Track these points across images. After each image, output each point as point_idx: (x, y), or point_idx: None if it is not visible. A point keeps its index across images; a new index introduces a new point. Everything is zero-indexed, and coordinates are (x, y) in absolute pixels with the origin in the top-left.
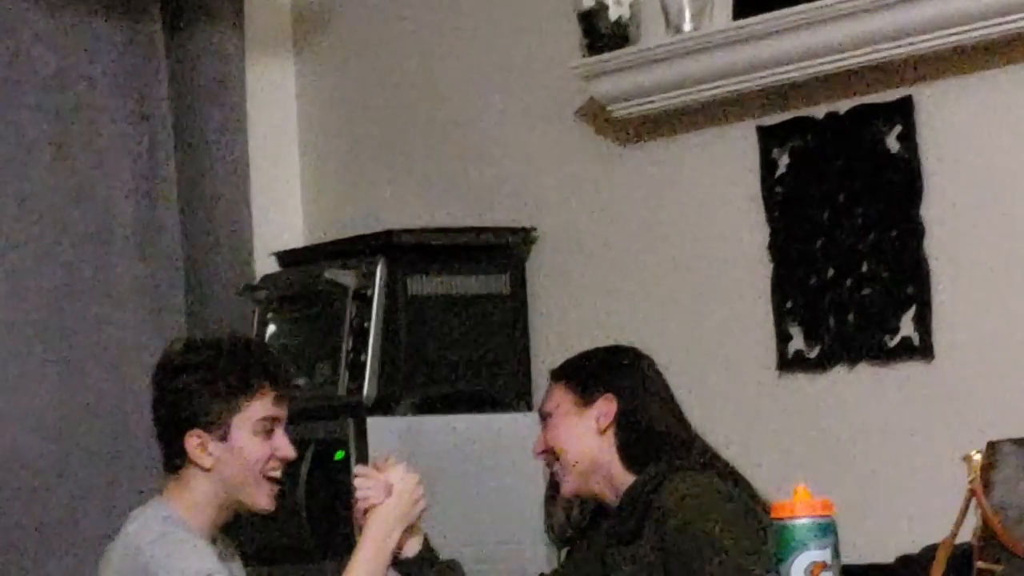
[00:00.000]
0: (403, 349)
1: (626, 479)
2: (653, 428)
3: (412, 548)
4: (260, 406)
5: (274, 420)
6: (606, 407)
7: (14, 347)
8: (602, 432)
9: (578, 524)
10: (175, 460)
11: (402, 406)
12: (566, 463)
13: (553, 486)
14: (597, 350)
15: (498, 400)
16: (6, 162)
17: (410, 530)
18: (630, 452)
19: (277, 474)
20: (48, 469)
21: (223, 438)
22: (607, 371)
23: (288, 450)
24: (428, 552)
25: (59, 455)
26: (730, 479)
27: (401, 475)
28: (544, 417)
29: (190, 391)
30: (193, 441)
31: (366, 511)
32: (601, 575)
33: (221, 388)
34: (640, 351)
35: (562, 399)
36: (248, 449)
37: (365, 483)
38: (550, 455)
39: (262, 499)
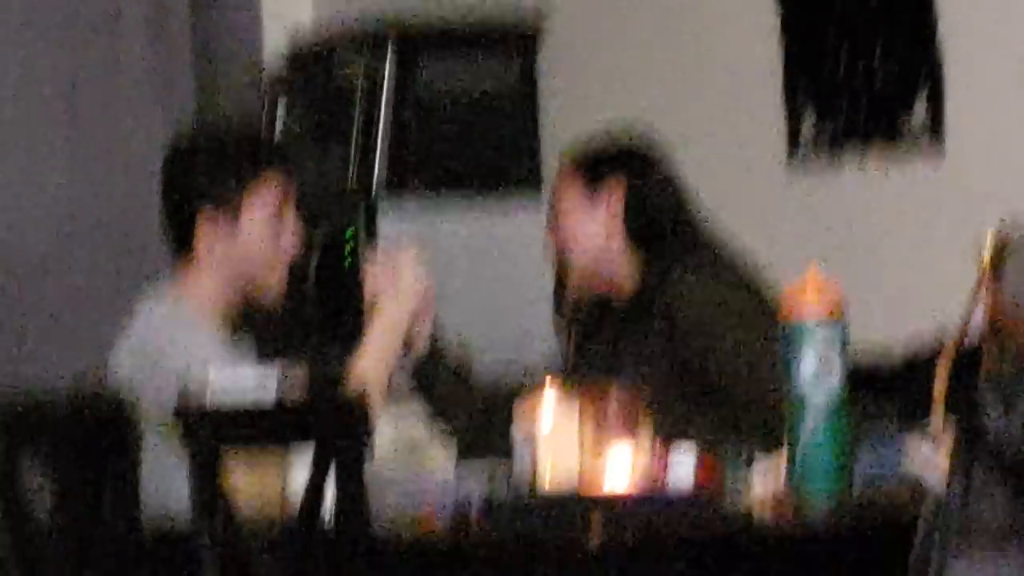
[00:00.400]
0: (413, 133)
1: (634, 271)
2: (663, 215)
3: (420, 345)
4: (270, 188)
5: (283, 203)
6: (614, 190)
7: (24, 135)
8: (610, 219)
9: (587, 315)
10: (185, 245)
11: (412, 191)
12: (574, 253)
13: (560, 275)
14: (607, 134)
15: (509, 182)
16: None
17: (417, 326)
18: (638, 241)
19: (287, 257)
20: (57, 257)
21: (232, 221)
22: (616, 155)
23: (297, 233)
24: (436, 350)
25: (68, 243)
26: (741, 273)
27: (408, 268)
28: (553, 205)
29: (199, 174)
30: (202, 224)
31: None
32: (610, 369)
33: (230, 171)
34: (652, 136)
35: (570, 187)
36: (257, 232)
37: (373, 272)
38: (559, 244)
39: (272, 280)
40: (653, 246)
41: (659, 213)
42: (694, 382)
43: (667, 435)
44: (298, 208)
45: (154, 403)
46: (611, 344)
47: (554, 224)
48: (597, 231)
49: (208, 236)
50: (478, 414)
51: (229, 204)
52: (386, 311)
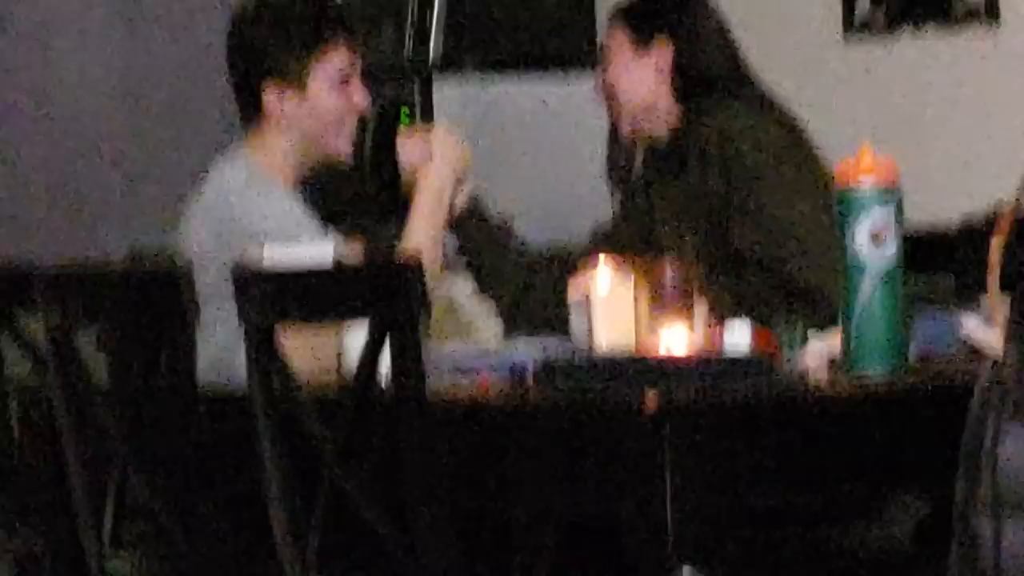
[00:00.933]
0: (469, 9)
1: (679, 120)
2: (711, 70)
3: (459, 203)
4: (335, 56)
5: (349, 71)
6: (662, 49)
7: (78, 9)
8: (657, 75)
9: (638, 169)
10: (253, 112)
11: (468, 66)
12: (623, 104)
13: (614, 128)
14: None
15: (564, 59)
16: None
17: (458, 185)
18: (684, 94)
19: (354, 117)
20: (115, 131)
21: (300, 88)
22: (665, 12)
23: (364, 99)
24: (476, 208)
25: (126, 117)
26: (785, 119)
27: (441, 136)
28: (604, 57)
29: (265, 41)
30: (271, 93)
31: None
32: (651, 222)
33: (296, 38)
34: None
35: (621, 41)
36: (324, 98)
37: (405, 144)
38: (609, 97)
39: (341, 144)
40: (699, 99)
41: (707, 69)
42: (733, 229)
43: (722, 309)
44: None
45: (227, 265)
46: (650, 193)
47: (604, 78)
48: (645, 87)
49: (276, 103)
50: (525, 282)
51: (296, 74)
52: (428, 180)
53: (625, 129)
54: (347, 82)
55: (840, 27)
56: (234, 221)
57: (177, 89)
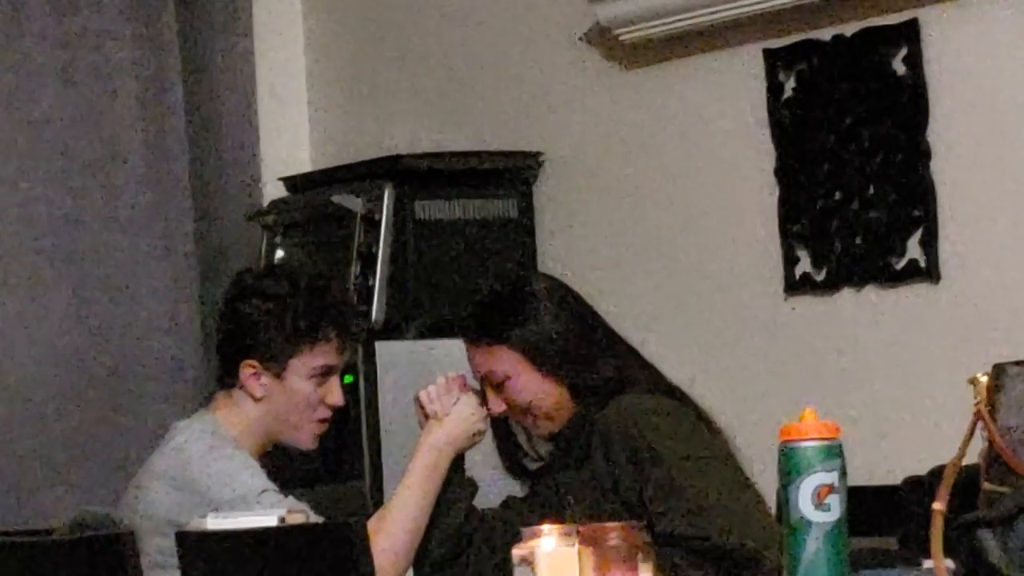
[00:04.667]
0: (411, 273)
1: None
2: (575, 357)
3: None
4: (322, 354)
5: (332, 367)
6: (511, 356)
7: (23, 274)
8: (528, 377)
9: (546, 456)
10: (228, 380)
11: (410, 330)
12: (537, 412)
13: (500, 424)
14: (494, 293)
15: None
16: (13, 89)
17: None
18: (571, 386)
19: (326, 415)
20: (57, 396)
21: (278, 375)
22: (490, 324)
23: (339, 398)
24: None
25: (68, 382)
26: (675, 396)
27: (467, 400)
28: (491, 379)
29: (257, 321)
30: (248, 371)
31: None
32: (558, 504)
33: (288, 327)
34: (541, 281)
35: (482, 353)
36: (300, 391)
37: (431, 389)
38: (514, 411)
39: (305, 438)
40: (584, 387)
41: (573, 359)
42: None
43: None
44: None
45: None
46: (557, 479)
47: (502, 396)
48: (546, 388)
49: (253, 380)
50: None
51: (277, 362)
52: (434, 435)
53: (545, 432)
54: (327, 377)
55: (781, 285)
56: (195, 488)
57: (123, 355)
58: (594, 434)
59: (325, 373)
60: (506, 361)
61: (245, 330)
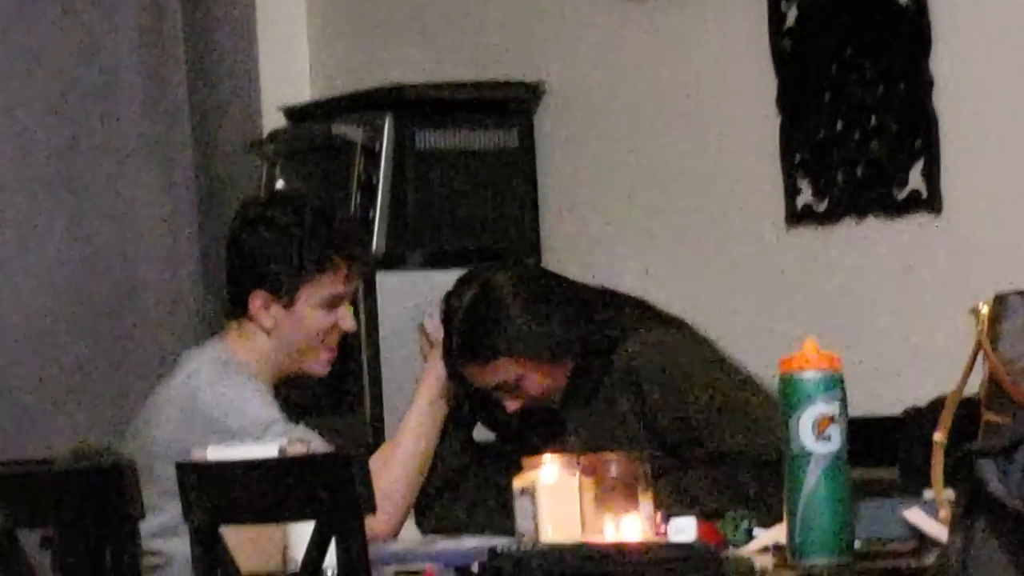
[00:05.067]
0: (411, 204)
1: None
2: (567, 334)
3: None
4: (331, 282)
5: (342, 295)
6: (506, 367)
7: (23, 204)
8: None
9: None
10: (237, 310)
11: (411, 261)
12: (551, 394)
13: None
14: (467, 313)
15: (507, 253)
16: (13, 18)
17: None
18: (575, 357)
19: (334, 348)
20: (56, 326)
21: (288, 306)
22: (485, 337)
23: (350, 324)
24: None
25: (67, 312)
26: (681, 328)
27: None
28: (506, 388)
29: (264, 252)
30: (257, 301)
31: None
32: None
33: (295, 258)
34: (501, 279)
35: (478, 374)
36: (310, 320)
37: (436, 323)
38: (530, 402)
39: (317, 366)
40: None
41: (554, 339)
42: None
43: (667, 505)
44: None
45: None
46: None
47: (521, 397)
48: (558, 376)
49: (262, 310)
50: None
51: (286, 292)
52: (434, 369)
53: (538, 405)
54: (337, 305)
55: (783, 216)
56: (205, 416)
57: (122, 285)
58: (609, 376)
59: (334, 301)
60: (510, 368)
61: (252, 261)
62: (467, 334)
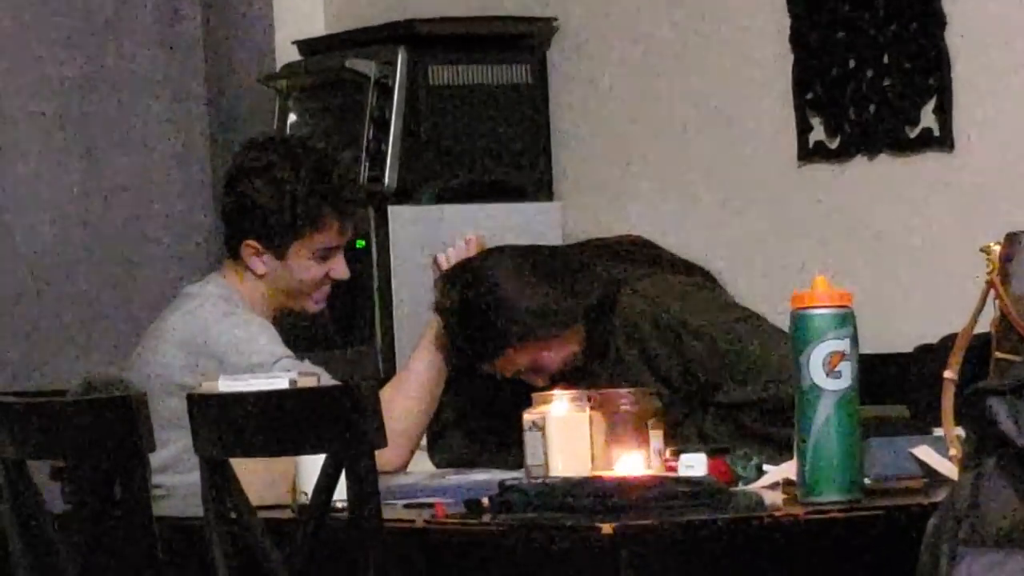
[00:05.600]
0: (424, 138)
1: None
2: (571, 302)
3: None
4: (323, 237)
5: (334, 247)
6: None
7: (36, 136)
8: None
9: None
10: (233, 252)
11: (424, 195)
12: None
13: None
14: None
15: (519, 189)
16: None
17: None
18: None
19: (327, 289)
20: (68, 258)
21: (279, 256)
22: (493, 330)
23: (343, 272)
24: None
25: (80, 244)
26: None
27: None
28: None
29: (255, 202)
30: (248, 250)
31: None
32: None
33: (287, 213)
34: (495, 265)
35: (523, 353)
36: (302, 270)
37: (449, 252)
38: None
39: (311, 304)
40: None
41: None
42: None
43: (677, 440)
44: None
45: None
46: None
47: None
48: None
49: (254, 258)
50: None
51: (277, 245)
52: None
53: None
54: (329, 255)
55: (794, 153)
56: (211, 352)
57: (134, 217)
58: (613, 332)
59: (327, 253)
60: (522, 355)
61: (245, 210)
62: (469, 338)
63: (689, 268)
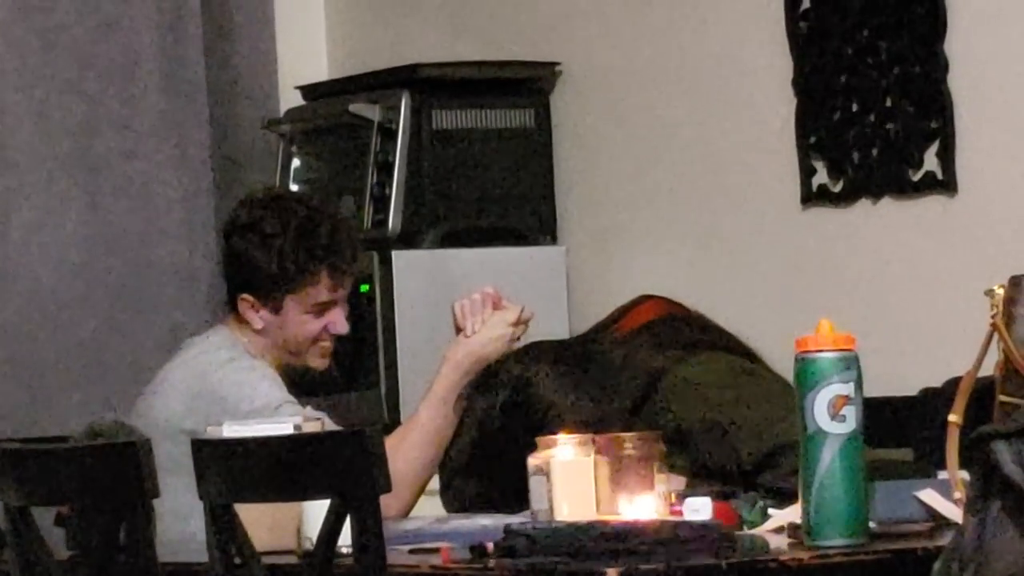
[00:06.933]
0: (428, 182)
1: None
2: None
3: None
4: (316, 291)
5: (328, 301)
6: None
7: (39, 181)
8: None
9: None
10: (232, 306)
11: (427, 239)
12: None
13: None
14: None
15: (523, 233)
16: None
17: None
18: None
19: (328, 344)
20: (72, 303)
21: (275, 311)
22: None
23: (341, 327)
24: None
25: (83, 289)
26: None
27: (499, 317)
28: None
29: (248, 258)
30: (245, 304)
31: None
32: None
33: (276, 268)
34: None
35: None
36: (298, 325)
37: (465, 308)
38: None
39: (314, 361)
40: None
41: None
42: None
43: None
44: None
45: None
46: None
47: None
48: None
49: (251, 313)
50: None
51: (272, 300)
52: (458, 354)
53: None
54: (325, 311)
55: (798, 196)
56: (214, 397)
57: (137, 262)
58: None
59: (322, 308)
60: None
61: (239, 265)
62: (515, 430)
63: (730, 346)
